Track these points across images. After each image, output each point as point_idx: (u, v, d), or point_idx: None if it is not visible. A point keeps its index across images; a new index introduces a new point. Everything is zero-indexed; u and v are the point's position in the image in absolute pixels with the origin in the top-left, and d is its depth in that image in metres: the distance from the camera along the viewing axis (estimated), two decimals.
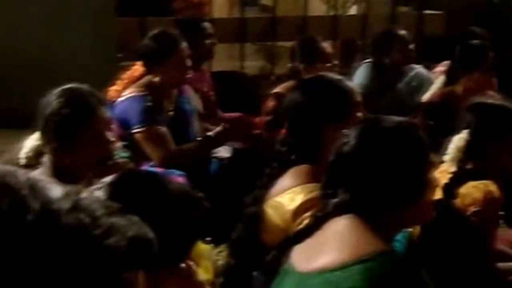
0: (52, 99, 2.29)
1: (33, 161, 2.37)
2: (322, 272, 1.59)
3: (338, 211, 1.68)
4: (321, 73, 2.58)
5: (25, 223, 0.54)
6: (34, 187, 0.56)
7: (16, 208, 0.54)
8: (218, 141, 3.58)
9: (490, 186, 2.43)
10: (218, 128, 3.54)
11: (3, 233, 0.53)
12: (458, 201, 2.44)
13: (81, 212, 0.57)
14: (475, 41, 4.23)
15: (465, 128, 2.62)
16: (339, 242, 1.62)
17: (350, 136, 1.73)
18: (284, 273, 1.73)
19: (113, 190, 1.51)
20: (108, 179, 1.58)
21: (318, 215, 1.74)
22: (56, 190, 0.57)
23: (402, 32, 4.60)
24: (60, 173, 2.19)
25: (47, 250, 0.54)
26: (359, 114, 2.26)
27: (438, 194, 2.49)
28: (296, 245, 1.73)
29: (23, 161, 2.39)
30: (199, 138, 3.58)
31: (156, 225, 0.94)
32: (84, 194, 0.59)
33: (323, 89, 2.32)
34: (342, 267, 1.57)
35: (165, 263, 1.48)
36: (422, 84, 4.56)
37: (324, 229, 1.68)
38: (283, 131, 2.39)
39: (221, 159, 3.73)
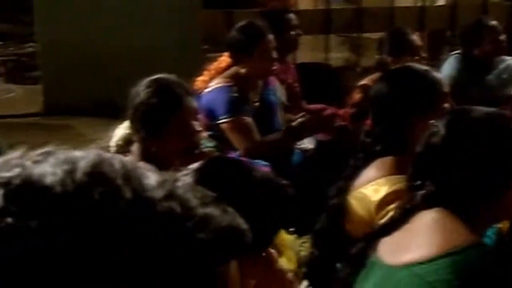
0: (141, 89, 2.34)
1: (123, 149, 2.44)
2: (409, 265, 1.57)
3: (425, 204, 1.65)
4: (408, 64, 2.54)
5: (116, 213, 0.54)
6: (128, 175, 0.56)
7: (108, 198, 0.54)
8: (301, 132, 3.57)
9: None
10: (301, 119, 3.54)
11: (93, 223, 0.53)
12: None
13: (174, 201, 0.56)
14: None
15: None
16: (427, 236, 1.60)
17: (438, 127, 1.70)
18: (371, 265, 1.72)
19: (200, 176, 1.54)
20: (194, 165, 1.61)
21: (405, 207, 1.72)
22: (151, 178, 0.57)
23: (493, 22, 4.46)
24: (148, 162, 2.24)
25: (136, 240, 0.53)
26: (447, 105, 2.22)
27: None
28: (383, 238, 1.72)
29: (113, 150, 2.46)
30: (283, 130, 3.59)
31: (241, 211, 0.96)
32: (180, 183, 0.58)
33: (410, 80, 2.28)
34: (430, 260, 1.54)
35: (250, 251, 1.49)
36: None
37: (411, 222, 1.66)
38: (369, 122, 2.37)
39: (304, 151, 3.73)
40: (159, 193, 0.56)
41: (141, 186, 0.55)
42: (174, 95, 2.35)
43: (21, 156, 0.56)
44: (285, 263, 2.19)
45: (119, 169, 0.56)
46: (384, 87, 2.31)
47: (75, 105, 5.56)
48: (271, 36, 3.55)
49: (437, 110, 2.14)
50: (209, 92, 3.49)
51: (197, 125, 2.41)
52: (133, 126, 2.37)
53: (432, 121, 1.80)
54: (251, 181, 1.59)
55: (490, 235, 2.14)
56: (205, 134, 2.66)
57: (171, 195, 0.56)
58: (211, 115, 3.42)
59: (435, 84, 2.27)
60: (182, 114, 2.34)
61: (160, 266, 0.53)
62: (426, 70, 2.33)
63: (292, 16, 4.25)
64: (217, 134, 3.35)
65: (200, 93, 3.45)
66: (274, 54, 3.55)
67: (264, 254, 1.61)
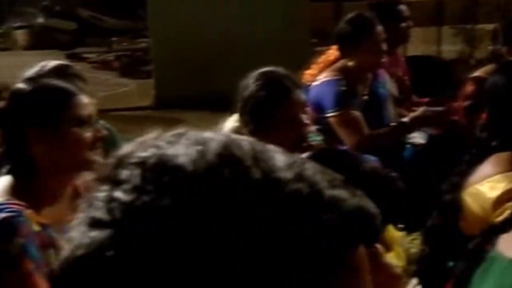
0: (250, 82, 2.35)
1: None
2: None
3: None
4: None
5: (245, 193, 0.54)
6: (258, 157, 0.56)
7: (237, 178, 0.55)
8: (413, 127, 3.49)
9: None
10: (415, 114, 3.45)
11: (223, 202, 0.54)
12: None
13: (303, 183, 0.56)
14: None
15: None
16: None
17: None
18: (490, 261, 1.65)
19: None
20: (303, 155, 1.61)
21: None
22: (280, 160, 0.57)
23: None
24: None
25: (264, 219, 0.54)
26: None
27: None
28: (503, 233, 1.65)
29: None
30: (393, 124, 3.52)
31: None
32: (308, 165, 0.58)
33: None
34: None
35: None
36: None
37: None
38: (483, 116, 2.28)
39: (415, 145, 3.64)
40: (287, 175, 0.56)
41: (269, 167, 0.56)
42: (282, 88, 2.34)
43: (155, 138, 0.58)
44: (394, 259, 2.14)
45: (248, 151, 0.57)
46: (500, 79, 2.22)
47: (186, 99, 5.67)
48: (380, 28, 3.48)
49: None
50: (317, 85, 3.47)
51: (305, 118, 2.39)
52: (242, 119, 2.38)
53: None
54: (360, 173, 1.57)
55: None
56: (312, 128, 2.64)
57: (299, 177, 0.56)
58: (319, 108, 3.40)
59: None
60: (290, 107, 2.33)
61: (288, 246, 0.53)
62: None
63: (403, 7, 4.16)
64: (324, 128, 3.32)
65: (308, 86, 3.43)
66: (384, 47, 3.48)
67: (371, 248, 1.58)
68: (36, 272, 1.69)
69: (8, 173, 1.82)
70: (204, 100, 5.43)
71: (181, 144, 0.57)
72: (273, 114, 2.32)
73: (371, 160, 2.90)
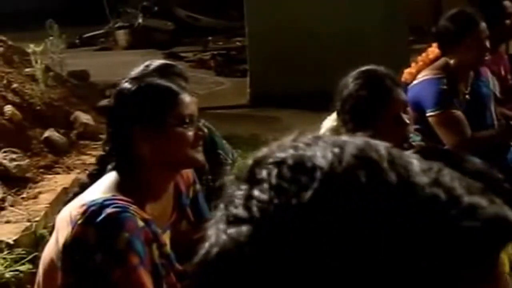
0: (350, 81, 2.33)
1: None
2: None
3: None
4: None
5: (381, 196, 0.55)
6: (394, 161, 0.57)
7: (373, 180, 0.55)
8: None
9: None
10: None
11: (358, 204, 0.54)
12: None
13: (439, 188, 0.56)
14: None
15: None
16: None
17: None
18: None
19: None
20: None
21: None
22: (416, 165, 0.57)
23: None
24: None
25: (399, 224, 0.54)
26: None
27: None
28: None
29: None
30: (497, 125, 3.41)
31: None
32: (446, 171, 0.58)
33: None
34: None
35: None
36: None
37: None
38: None
39: None
40: (424, 179, 0.56)
41: (406, 171, 0.56)
42: (383, 87, 2.30)
43: (293, 140, 0.60)
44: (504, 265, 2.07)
45: (385, 154, 0.57)
46: None
47: (282, 97, 5.68)
48: (483, 25, 3.37)
49: None
50: (416, 84, 3.40)
51: (406, 118, 2.35)
52: (342, 117, 2.36)
53: None
54: (464, 172, 1.53)
55: None
56: (413, 127, 2.58)
57: (436, 182, 0.56)
58: (419, 108, 3.32)
59: None
60: (391, 107, 2.30)
61: (422, 252, 0.53)
62: None
63: (507, 3, 4.02)
64: (424, 128, 3.25)
65: (407, 85, 3.37)
66: (486, 44, 3.37)
67: None
68: (141, 267, 1.72)
69: (113, 169, 1.86)
70: (299, 98, 5.43)
71: (319, 146, 0.58)
72: (373, 113, 2.29)
73: (477, 161, 2.81)
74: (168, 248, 1.86)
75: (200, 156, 1.88)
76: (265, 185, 0.56)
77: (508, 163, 3.40)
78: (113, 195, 1.77)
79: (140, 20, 10.04)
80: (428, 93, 3.33)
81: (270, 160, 0.58)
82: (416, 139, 2.94)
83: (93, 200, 1.75)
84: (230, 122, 5.44)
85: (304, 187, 0.55)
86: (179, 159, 1.86)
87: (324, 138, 0.59)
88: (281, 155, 0.58)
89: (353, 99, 2.29)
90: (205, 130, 2.05)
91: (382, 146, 0.58)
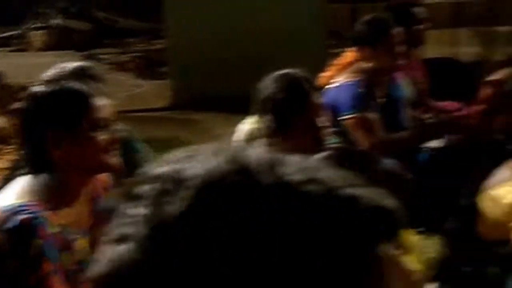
0: (268, 84, 2.35)
1: (249, 144, 2.45)
2: None
3: None
4: None
5: (255, 198, 0.56)
6: (269, 163, 0.58)
7: (247, 184, 0.56)
8: (431, 133, 3.47)
9: None
10: (432, 120, 3.43)
11: (236, 209, 0.55)
12: None
13: (316, 184, 0.57)
14: None
15: None
16: None
17: None
18: None
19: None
20: (319, 155, 1.63)
21: None
22: (291, 165, 0.58)
23: None
24: None
25: (278, 224, 0.55)
26: None
27: None
28: None
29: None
30: (410, 128, 3.50)
31: None
32: (325, 168, 0.59)
33: None
34: None
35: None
36: None
37: None
38: (501, 119, 2.26)
39: (432, 149, 3.61)
40: (298, 177, 0.57)
41: (280, 172, 0.58)
42: (301, 91, 2.34)
43: (176, 155, 0.61)
44: (412, 263, 2.13)
45: (260, 158, 0.58)
46: None
47: (202, 100, 5.67)
48: (397, 30, 3.46)
49: None
50: (334, 87, 3.46)
51: (322, 121, 2.39)
52: (262, 120, 2.38)
53: None
54: (375, 172, 1.59)
55: None
56: (329, 130, 2.63)
57: (312, 179, 0.57)
58: (336, 111, 3.38)
59: None
60: (308, 110, 2.33)
61: (305, 249, 0.54)
62: None
63: (419, 9, 4.14)
64: (341, 131, 3.31)
65: (325, 88, 3.42)
66: (400, 49, 3.46)
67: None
68: (54, 274, 1.69)
69: (27, 174, 1.82)
70: (219, 101, 5.44)
71: (198, 157, 0.59)
72: (291, 116, 2.32)
73: (389, 162, 2.89)
74: (85, 253, 1.83)
75: (114, 161, 1.86)
76: (146, 201, 0.57)
77: (419, 164, 3.50)
78: (26, 201, 1.73)
79: (57, 21, 9.84)
80: (345, 97, 3.39)
81: (150, 176, 0.59)
82: (333, 141, 3.00)
83: (6, 206, 1.71)
84: (150, 124, 5.39)
85: (182, 198, 0.56)
86: (92, 164, 1.83)
87: (205, 149, 0.61)
88: (160, 170, 0.59)
89: (272, 102, 2.31)
90: (123, 133, 2.03)
91: (258, 150, 0.60)
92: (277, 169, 0.57)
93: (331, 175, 0.58)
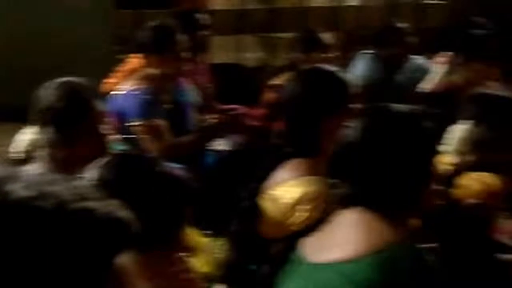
0: (48, 92, 2.27)
1: (30, 154, 2.35)
2: (334, 264, 1.56)
3: (346, 204, 1.63)
4: (318, 64, 2.54)
5: None
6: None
7: None
8: (212, 133, 3.56)
9: (491, 178, 2.40)
10: (212, 121, 3.52)
11: None
12: (459, 192, 2.42)
13: (47, 199, 0.57)
14: (476, 31, 4.19)
15: (467, 119, 2.59)
16: (352, 234, 1.59)
17: (355, 126, 1.67)
18: (293, 264, 1.70)
19: (103, 171, 1.65)
20: (99, 162, 1.66)
21: (327, 207, 1.71)
22: (22, 181, 0.58)
23: (402, 24, 4.58)
24: (57, 166, 2.17)
25: (9, 240, 0.55)
26: (358, 105, 2.22)
27: (439, 184, 2.47)
28: (305, 238, 1.70)
29: (20, 155, 2.36)
30: (194, 130, 3.56)
31: (139, 205, 0.99)
32: (59, 182, 0.59)
33: (320, 81, 2.28)
34: (356, 259, 1.54)
35: (152, 246, 1.53)
36: (423, 75, 4.52)
37: (335, 221, 1.64)
38: (281, 123, 2.36)
39: (218, 152, 3.70)
40: (27, 193, 0.57)
41: (10, 187, 0.57)
42: (81, 99, 2.28)
43: None
44: (198, 264, 2.16)
45: None
46: (294, 88, 2.30)
47: None
48: (181, 36, 3.50)
49: (348, 110, 2.14)
50: (120, 94, 3.42)
51: (106, 129, 2.35)
52: (41, 130, 2.28)
53: (345, 122, 1.77)
54: (150, 175, 1.65)
55: None
56: (116, 137, 2.59)
57: (42, 194, 0.57)
58: (123, 118, 3.35)
59: (343, 85, 2.27)
60: (90, 118, 2.28)
61: (37, 263, 0.54)
62: (335, 71, 2.33)
63: (202, 16, 4.22)
64: (129, 138, 3.28)
65: (110, 95, 3.38)
66: (185, 55, 3.51)
67: (169, 254, 1.63)
68: None
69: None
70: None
71: None
72: (73, 125, 2.25)
73: (171, 166, 2.91)
74: None
75: None
76: None
77: (206, 167, 3.57)
78: None
79: None
80: (131, 103, 3.37)
81: None
82: (121, 148, 2.96)
83: None
84: None
85: None
86: None
87: None
88: None
89: (51, 111, 2.24)
90: None
91: None
92: (7, 186, 0.55)
93: (64, 189, 0.57)
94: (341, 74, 2.32)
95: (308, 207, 2.13)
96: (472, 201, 2.38)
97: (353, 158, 1.64)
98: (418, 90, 4.39)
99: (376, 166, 1.61)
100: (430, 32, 5.63)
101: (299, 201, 2.15)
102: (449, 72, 4.22)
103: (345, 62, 4.46)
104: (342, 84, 2.26)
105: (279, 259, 1.79)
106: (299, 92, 2.26)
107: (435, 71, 4.44)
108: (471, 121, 2.54)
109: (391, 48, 4.50)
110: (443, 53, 4.63)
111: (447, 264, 1.96)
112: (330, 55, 3.94)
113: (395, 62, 4.55)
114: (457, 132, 2.57)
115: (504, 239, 2.62)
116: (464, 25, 4.47)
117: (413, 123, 1.66)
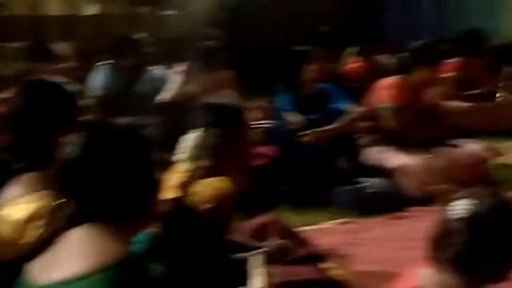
0: None
1: None
2: (65, 282, 1.53)
3: (73, 221, 1.61)
4: (44, 76, 2.48)
5: None
6: None
7: None
8: None
9: (221, 182, 2.51)
10: None
11: None
12: (194, 199, 2.49)
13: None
14: (209, 42, 4.36)
15: (199, 127, 2.68)
16: (80, 252, 1.57)
17: (73, 142, 1.66)
18: None
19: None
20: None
21: (52, 227, 1.66)
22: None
23: (140, 35, 4.63)
24: None
25: None
26: (88, 117, 2.21)
27: (175, 193, 2.53)
28: (32, 259, 1.64)
29: None
30: None
31: None
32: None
33: (45, 93, 2.23)
34: (85, 276, 1.52)
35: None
36: (161, 85, 4.60)
37: (62, 240, 1.61)
38: (8, 137, 2.26)
39: None
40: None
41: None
42: None
43: None
44: None
45: None
46: (20, 100, 2.23)
47: None
48: None
49: (75, 123, 2.11)
50: None
51: None
52: None
53: (69, 136, 1.74)
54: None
55: (142, 240, 2.18)
56: None
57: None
58: None
59: (71, 97, 2.25)
60: None
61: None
62: (62, 83, 2.29)
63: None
64: None
65: None
66: None
67: None
68: None
69: None
70: None
71: None
72: None
73: None
74: None
75: None
76: None
77: None
78: None
79: None
80: None
81: None
82: None
83: None
84: None
85: None
86: None
87: None
88: None
89: None
90: None
91: None
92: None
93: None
94: (67, 86, 2.29)
95: (41, 222, 2.06)
96: (206, 206, 2.47)
97: (73, 175, 1.62)
98: (157, 100, 4.46)
99: (96, 182, 1.62)
100: (167, 43, 5.75)
101: (32, 218, 2.07)
102: (186, 82, 4.35)
103: (81, 73, 4.39)
104: (68, 95, 2.23)
105: (7, 284, 1.71)
106: (24, 105, 2.20)
107: (174, 81, 4.54)
108: (202, 129, 2.64)
109: (129, 58, 4.53)
110: (180, 63, 4.76)
111: (182, 270, 2.01)
112: (63, 65, 3.86)
113: (133, 72, 4.58)
114: (190, 140, 2.65)
115: (242, 238, 2.76)
116: (198, 37, 4.64)
117: (130, 136, 1.69)
